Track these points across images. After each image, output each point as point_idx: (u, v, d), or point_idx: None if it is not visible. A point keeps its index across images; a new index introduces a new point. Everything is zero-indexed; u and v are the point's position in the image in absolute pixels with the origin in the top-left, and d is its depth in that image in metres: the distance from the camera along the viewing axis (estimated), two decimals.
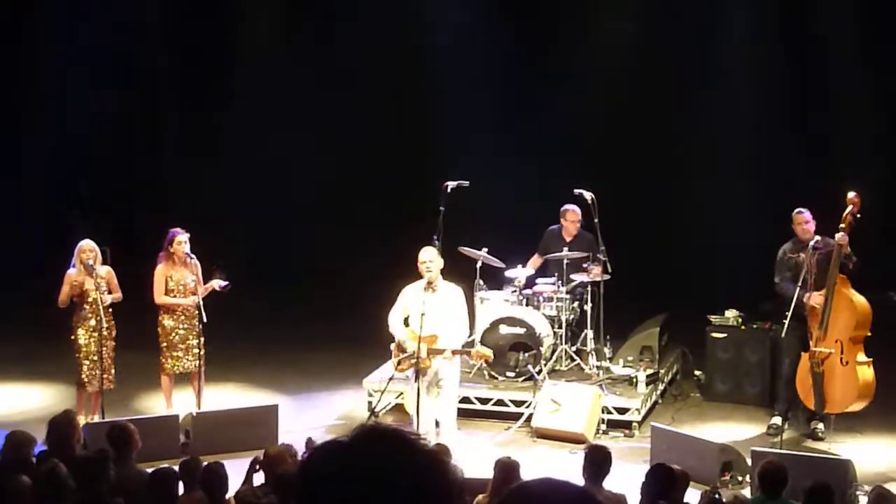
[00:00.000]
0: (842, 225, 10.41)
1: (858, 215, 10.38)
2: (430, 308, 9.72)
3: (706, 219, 15.37)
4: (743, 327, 12.25)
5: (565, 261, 12.09)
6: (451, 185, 12.11)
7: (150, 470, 7.41)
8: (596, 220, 12.01)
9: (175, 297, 10.93)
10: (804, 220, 10.82)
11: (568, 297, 12.13)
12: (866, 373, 10.55)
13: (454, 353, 9.91)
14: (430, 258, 9.91)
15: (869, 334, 10.61)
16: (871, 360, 10.59)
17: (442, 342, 9.80)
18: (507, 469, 7.35)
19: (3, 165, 16.89)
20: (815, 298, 10.47)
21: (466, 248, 12.17)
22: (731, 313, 12.34)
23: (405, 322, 10.06)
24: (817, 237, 10.62)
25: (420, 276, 10.00)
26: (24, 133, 17.14)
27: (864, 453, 10.46)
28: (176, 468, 7.47)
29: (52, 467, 6.98)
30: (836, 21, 15.24)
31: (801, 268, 10.64)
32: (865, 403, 10.65)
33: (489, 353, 10.35)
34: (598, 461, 7.50)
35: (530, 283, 12.38)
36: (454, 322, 9.92)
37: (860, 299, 10.57)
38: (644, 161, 15.89)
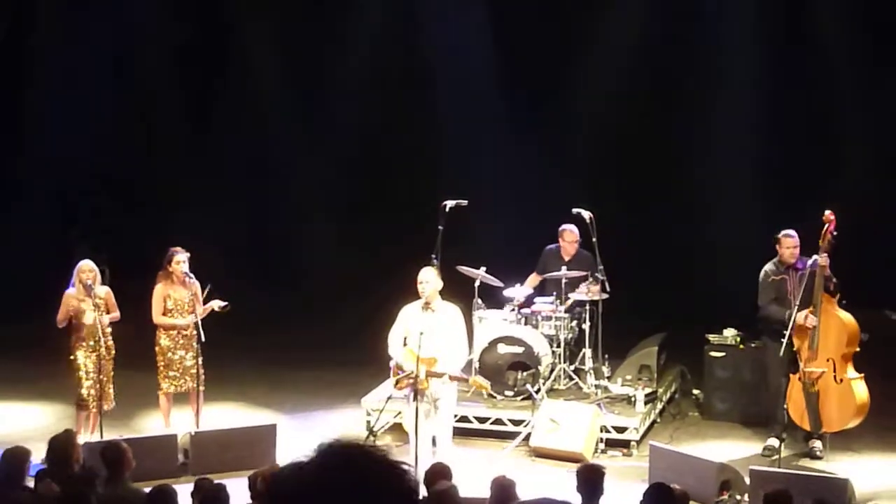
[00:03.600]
0: (822, 243, 10.42)
1: (835, 232, 10.40)
2: (428, 329, 9.72)
3: (705, 237, 15.37)
4: (742, 346, 12.25)
5: (564, 280, 12.10)
6: (449, 203, 12.15)
7: (147, 489, 7.40)
8: (594, 240, 12.04)
9: (173, 316, 10.95)
10: (794, 243, 10.82)
11: (566, 316, 12.14)
12: (861, 389, 10.56)
13: (452, 378, 9.89)
14: (426, 278, 9.93)
15: (857, 350, 10.63)
16: (862, 374, 10.60)
17: (441, 365, 9.78)
18: (503, 488, 7.34)
19: (1, 183, 16.93)
20: (811, 319, 10.46)
21: (465, 268, 12.19)
22: (729, 332, 12.34)
23: (404, 342, 10.05)
24: (815, 258, 10.59)
25: (419, 296, 10.01)
26: (26, 149, 17.18)
27: (862, 472, 10.44)
28: (177, 486, 7.48)
29: (74, 487, 6.99)
30: (839, 28, 15.27)
31: (783, 290, 10.69)
32: (862, 419, 10.65)
33: (487, 384, 10.32)
34: (590, 480, 7.48)
35: (529, 302, 12.40)
36: (453, 344, 9.91)
37: (847, 316, 10.58)
38: (643, 180, 15.91)
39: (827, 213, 10.46)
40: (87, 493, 6.83)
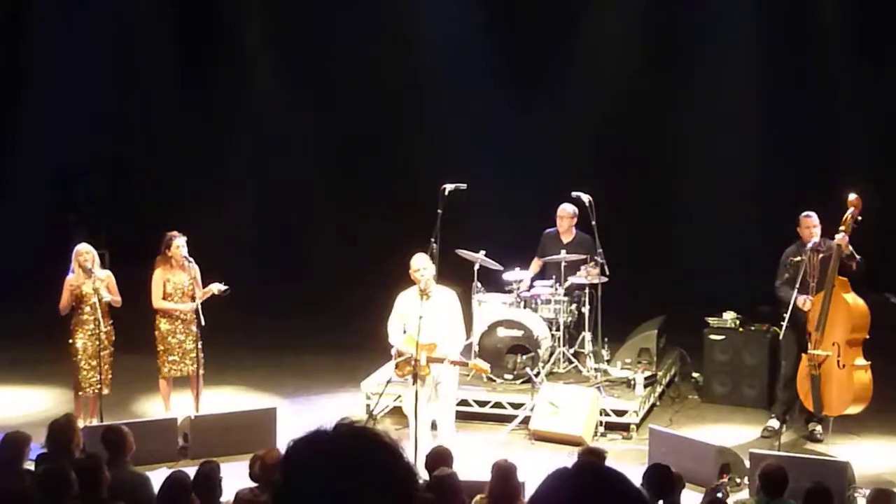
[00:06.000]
0: (842, 227, 10.40)
1: (860, 217, 10.36)
2: (426, 315, 9.71)
3: (704, 220, 15.38)
4: (741, 329, 12.25)
5: (563, 263, 12.10)
6: (448, 187, 12.13)
7: (148, 472, 7.41)
8: (594, 223, 12.03)
9: (173, 300, 10.93)
10: (813, 223, 10.75)
11: (566, 299, 12.13)
12: (863, 376, 10.54)
13: (452, 363, 9.91)
14: (422, 265, 9.87)
15: (867, 337, 10.61)
16: (869, 363, 10.58)
17: (441, 350, 9.78)
18: (503, 472, 7.35)
19: None
20: (802, 301, 10.46)
21: (464, 251, 12.18)
22: (729, 315, 12.34)
23: (403, 329, 10.03)
24: (815, 239, 10.61)
25: (414, 283, 9.99)
26: (24, 135, 17.15)
27: (862, 455, 10.46)
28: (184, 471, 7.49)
29: (57, 466, 7.00)
30: (838, 20, 15.28)
31: (799, 270, 10.64)
32: (862, 407, 10.65)
33: (487, 367, 10.32)
34: None
35: (529, 285, 12.39)
36: (451, 328, 9.92)
37: (858, 302, 10.55)
38: (642, 163, 15.92)
39: (853, 196, 10.39)
40: (68, 474, 6.83)
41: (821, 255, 10.58)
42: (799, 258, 10.80)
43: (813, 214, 10.79)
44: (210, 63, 17.26)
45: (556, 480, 2.41)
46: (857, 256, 10.46)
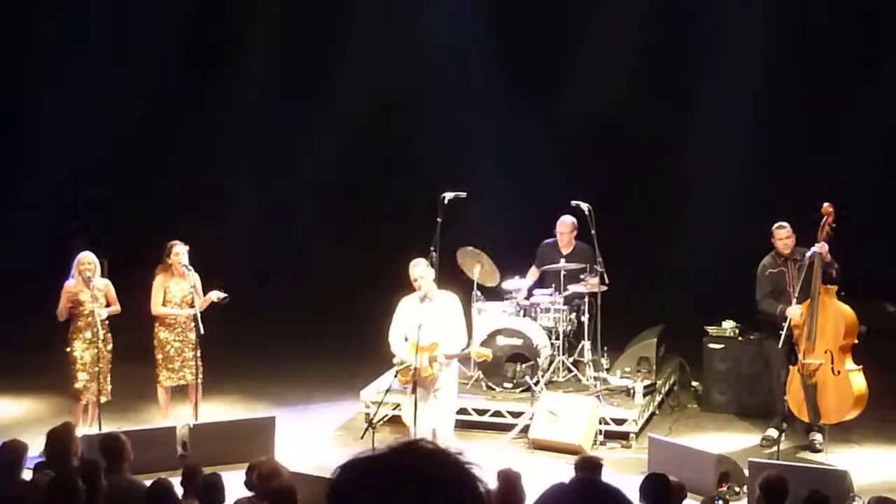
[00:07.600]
0: (820, 234, 10.44)
1: (834, 224, 10.42)
2: (427, 318, 9.77)
3: (704, 229, 15.37)
4: (740, 338, 12.25)
5: (562, 272, 12.09)
6: (448, 196, 12.13)
7: (146, 481, 7.40)
8: (593, 232, 12.02)
9: (172, 308, 10.93)
10: (786, 234, 10.85)
11: (565, 308, 12.13)
12: (859, 380, 10.56)
13: (453, 356, 9.95)
14: (420, 274, 9.96)
15: (856, 342, 10.63)
16: (860, 366, 10.59)
17: (442, 349, 9.84)
18: (509, 480, 7.35)
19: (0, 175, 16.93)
20: (793, 310, 10.46)
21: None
22: (728, 324, 12.34)
23: (405, 338, 10.08)
24: (815, 248, 10.59)
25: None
26: (26, 142, 17.16)
27: (861, 464, 10.45)
28: (173, 479, 7.49)
29: (65, 474, 6.99)
30: (832, 32, 15.33)
31: (782, 282, 10.69)
32: (860, 410, 10.65)
33: (488, 352, 10.39)
34: (588, 472, 7.49)
35: (528, 294, 12.39)
36: (452, 329, 9.97)
37: (845, 308, 10.58)
38: (641, 172, 15.92)
39: (825, 205, 10.48)
40: (76, 481, 6.82)
41: (798, 264, 10.63)
42: (778, 269, 10.85)
43: (786, 225, 10.88)
44: (214, 64, 17.25)
45: (553, 496, 2.37)
46: (836, 264, 10.50)
